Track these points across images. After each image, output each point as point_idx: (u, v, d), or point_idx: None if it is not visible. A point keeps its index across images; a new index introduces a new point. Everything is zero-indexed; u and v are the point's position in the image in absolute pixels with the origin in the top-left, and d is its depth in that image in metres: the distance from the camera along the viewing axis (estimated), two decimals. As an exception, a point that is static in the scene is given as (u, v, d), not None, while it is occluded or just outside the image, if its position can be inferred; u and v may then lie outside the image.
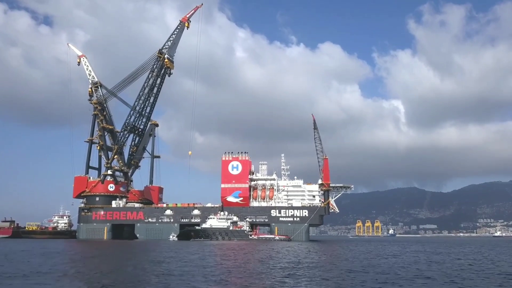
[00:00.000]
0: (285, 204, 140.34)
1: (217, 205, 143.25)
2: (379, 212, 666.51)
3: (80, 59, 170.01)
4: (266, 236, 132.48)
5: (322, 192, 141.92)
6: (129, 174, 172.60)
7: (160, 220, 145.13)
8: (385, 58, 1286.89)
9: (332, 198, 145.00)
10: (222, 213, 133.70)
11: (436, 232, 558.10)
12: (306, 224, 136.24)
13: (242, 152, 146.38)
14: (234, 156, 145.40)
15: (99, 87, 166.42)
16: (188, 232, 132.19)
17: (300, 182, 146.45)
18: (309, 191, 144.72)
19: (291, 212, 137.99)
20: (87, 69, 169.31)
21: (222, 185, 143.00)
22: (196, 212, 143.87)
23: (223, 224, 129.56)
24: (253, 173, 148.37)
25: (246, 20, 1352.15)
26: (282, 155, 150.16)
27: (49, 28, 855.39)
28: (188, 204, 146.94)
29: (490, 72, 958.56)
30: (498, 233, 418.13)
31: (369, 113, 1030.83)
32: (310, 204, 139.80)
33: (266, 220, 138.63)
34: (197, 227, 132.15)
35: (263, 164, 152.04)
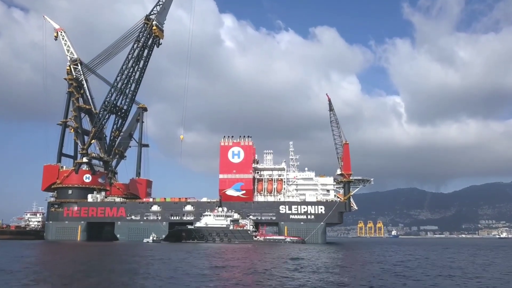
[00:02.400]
0: (297, 199, 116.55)
1: (214, 200, 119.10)
2: (378, 213, 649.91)
3: (57, 32, 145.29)
4: (275, 237, 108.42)
5: (342, 184, 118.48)
6: (112, 164, 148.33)
7: (145, 218, 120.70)
8: (383, 47, 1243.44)
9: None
10: (220, 209, 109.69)
11: (437, 234, 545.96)
12: (322, 223, 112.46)
13: (244, 136, 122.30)
14: (234, 141, 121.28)
15: (78, 64, 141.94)
16: (179, 232, 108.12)
17: (312, 174, 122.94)
18: (322, 184, 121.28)
19: (304, 208, 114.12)
20: (65, 44, 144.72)
21: (221, 176, 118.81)
22: (188, 208, 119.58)
23: (222, 222, 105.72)
24: (257, 162, 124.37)
25: (228, 5, 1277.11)
26: (291, 143, 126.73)
27: (21, 12, 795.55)
28: (179, 198, 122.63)
29: (495, 62, 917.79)
30: (504, 235, 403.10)
31: (368, 108, 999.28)
32: (327, 199, 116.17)
33: (274, 218, 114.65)
34: (189, 226, 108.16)
35: (268, 153, 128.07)
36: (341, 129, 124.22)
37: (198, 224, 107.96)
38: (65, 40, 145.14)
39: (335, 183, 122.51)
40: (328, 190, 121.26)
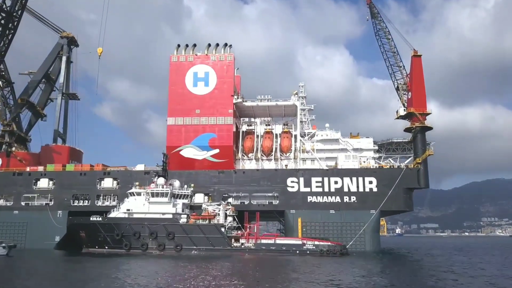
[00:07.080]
0: (321, 165, 59.18)
1: (156, 168, 60.19)
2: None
3: None
4: (282, 241, 49.91)
5: (410, 136, 61.47)
6: (21, 125, 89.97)
7: (24, 203, 62.12)
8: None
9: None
10: (161, 181, 51.65)
11: (438, 232, 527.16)
12: (375, 213, 55.07)
13: (217, 45, 63.67)
14: (198, 54, 62.75)
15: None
16: (76, 228, 50.23)
17: (337, 134, 65.66)
18: (355, 150, 64.36)
19: (337, 183, 56.63)
20: None
21: (170, 120, 60.72)
22: (108, 183, 61.20)
23: (164, 209, 48.55)
24: (242, 98, 66.26)
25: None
26: (301, 84, 68.97)
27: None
28: (92, 166, 63.93)
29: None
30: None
31: (364, 89, 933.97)
32: (380, 166, 59.30)
33: (275, 201, 56.93)
34: (94, 218, 50.25)
35: (264, 99, 69.70)
36: (393, 42, 67.65)
37: (113, 214, 50.34)
38: None
39: (375, 147, 66.06)
40: (365, 158, 64.49)
